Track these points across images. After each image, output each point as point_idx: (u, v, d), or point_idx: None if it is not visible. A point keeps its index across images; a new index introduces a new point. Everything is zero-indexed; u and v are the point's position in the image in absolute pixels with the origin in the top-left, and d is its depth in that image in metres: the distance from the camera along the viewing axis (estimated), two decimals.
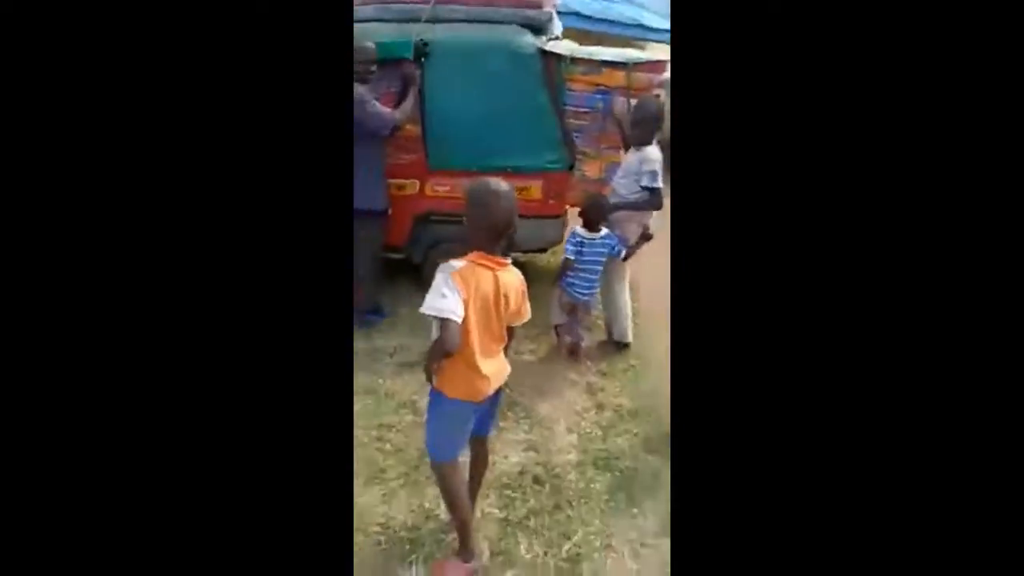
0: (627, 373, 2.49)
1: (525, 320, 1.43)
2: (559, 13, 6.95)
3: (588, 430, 2.08)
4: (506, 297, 1.32)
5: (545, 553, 1.55)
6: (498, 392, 1.46)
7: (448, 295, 1.21)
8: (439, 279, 1.24)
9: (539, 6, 2.67)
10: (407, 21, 2.60)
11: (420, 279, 2.99)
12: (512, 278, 1.35)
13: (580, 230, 2.45)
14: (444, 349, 1.22)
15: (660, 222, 2.52)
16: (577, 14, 7.11)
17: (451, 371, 1.32)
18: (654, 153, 2.39)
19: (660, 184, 2.30)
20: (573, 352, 2.57)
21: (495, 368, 1.38)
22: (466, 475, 1.55)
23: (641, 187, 2.39)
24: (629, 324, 2.64)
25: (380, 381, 2.30)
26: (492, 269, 1.29)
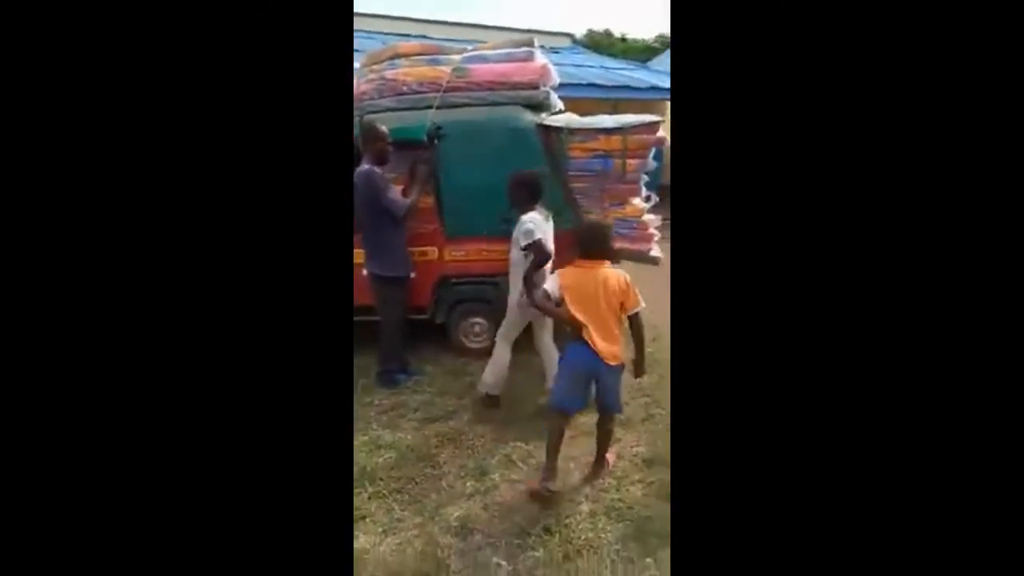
0: (646, 423, 2.49)
1: (636, 307, 1.90)
2: (578, 86, 7.48)
3: (602, 480, 2.08)
4: (605, 286, 1.86)
5: None
6: (618, 372, 1.93)
7: (551, 278, 1.99)
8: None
9: (535, 87, 2.97)
10: (420, 109, 2.95)
11: (444, 338, 3.16)
12: (607, 272, 1.89)
13: None
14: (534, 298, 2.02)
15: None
16: (594, 85, 7.65)
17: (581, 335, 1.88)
18: (525, 216, 2.39)
19: (535, 237, 2.31)
20: None
21: (612, 347, 1.89)
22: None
23: (522, 250, 2.38)
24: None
25: (401, 436, 2.41)
26: (586, 269, 1.90)
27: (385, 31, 8.67)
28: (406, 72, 3.08)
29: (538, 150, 2.91)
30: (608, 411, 2.05)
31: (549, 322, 2.55)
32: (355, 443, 2.35)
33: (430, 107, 2.92)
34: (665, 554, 1.70)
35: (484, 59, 3.13)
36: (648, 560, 1.69)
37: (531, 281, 2.34)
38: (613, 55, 13.07)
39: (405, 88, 3.03)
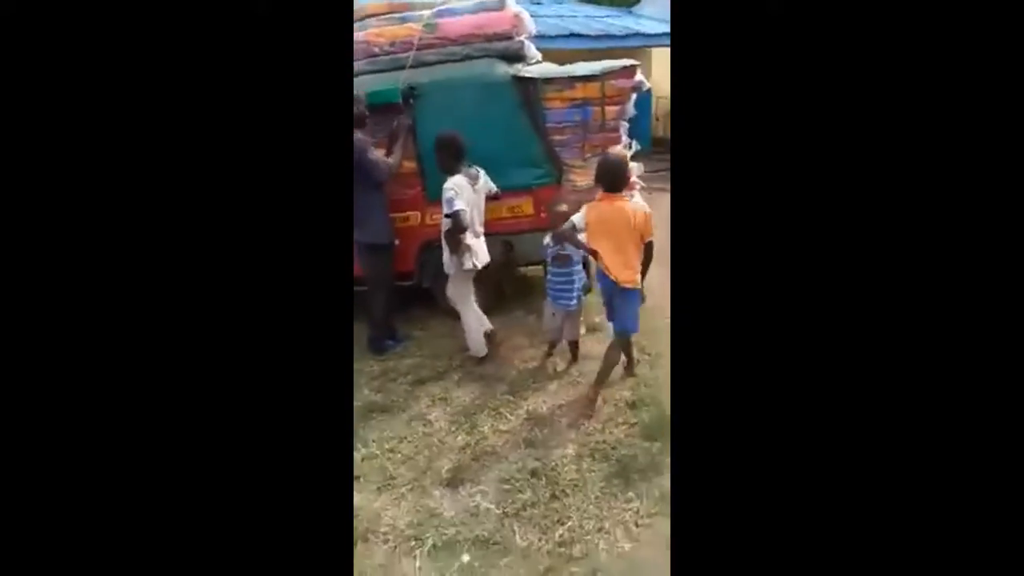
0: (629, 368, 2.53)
1: (649, 238, 2.13)
2: (560, 37, 7.23)
3: (586, 424, 2.14)
4: (629, 218, 2.06)
5: (539, 539, 1.63)
6: (633, 296, 2.16)
7: (579, 212, 2.21)
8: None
9: (509, 37, 2.88)
10: (394, 70, 2.87)
11: (431, 303, 3.18)
12: (630, 205, 2.10)
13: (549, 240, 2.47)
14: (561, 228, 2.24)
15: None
16: (576, 35, 7.39)
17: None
18: (448, 183, 2.45)
19: (455, 207, 2.37)
20: (573, 351, 2.65)
21: (625, 272, 2.11)
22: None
23: (445, 216, 2.43)
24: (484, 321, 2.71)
25: (394, 399, 2.46)
26: (610, 202, 2.11)
27: None
28: (377, 33, 2.98)
29: (514, 103, 2.84)
30: (620, 333, 2.25)
31: (470, 281, 2.64)
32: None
33: (403, 67, 2.85)
34: (644, 487, 1.77)
35: (454, 12, 3.02)
36: (631, 494, 1.76)
37: (453, 245, 2.46)
38: (598, 2, 12.56)
39: (377, 49, 2.94)
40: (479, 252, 2.59)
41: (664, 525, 1.61)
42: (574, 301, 2.49)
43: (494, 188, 2.67)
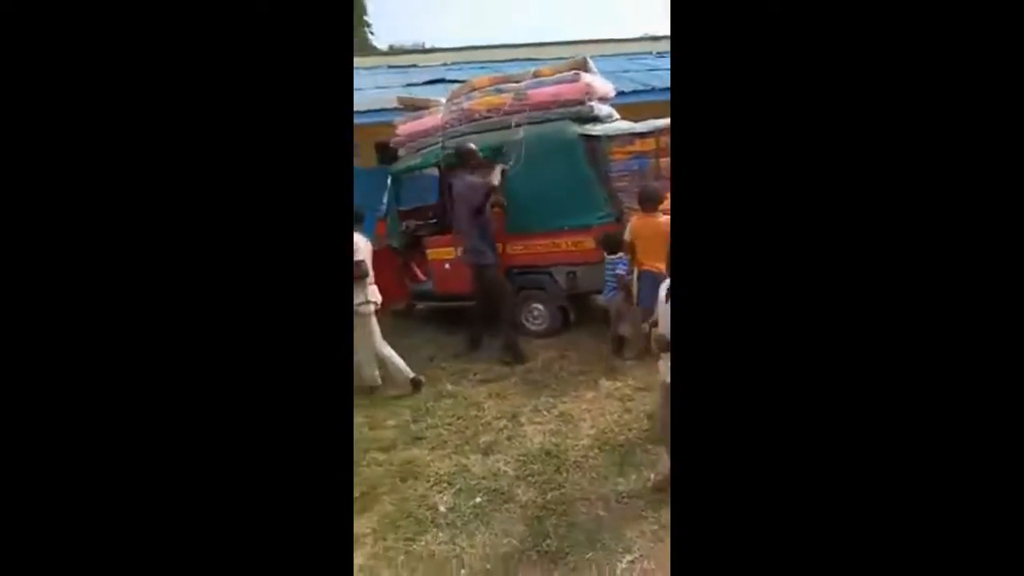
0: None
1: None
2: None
3: (604, 425, 2.51)
4: (662, 229, 2.83)
5: (537, 497, 2.05)
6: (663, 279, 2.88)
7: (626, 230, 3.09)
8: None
9: (581, 103, 3.46)
10: (488, 131, 3.64)
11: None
12: (662, 220, 2.91)
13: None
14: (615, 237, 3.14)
15: None
16: (622, 92, 7.61)
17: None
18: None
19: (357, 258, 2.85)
20: (617, 344, 3.20)
21: (657, 264, 2.80)
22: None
23: None
24: (400, 363, 3.08)
25: (461, 389, 3.08)
26: (647, 218, 2.96)
27: (520, 57, 9.46)
28: (478, 102, 3.79)
29: (580, 156, 3.40)
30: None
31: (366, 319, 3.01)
32: (427, 393, 3.07)
33: (494, 129, 3.60)
34: (633, 476, 2.10)
35: (541, 83, 3.71)
36: (619, 479, 2.10)
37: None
38: None
39: (477, 115, 3.75)
40: (373, 293, 3.04)
41: (637, 504, 1.94)
42: (610, 292, 3.13)
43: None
